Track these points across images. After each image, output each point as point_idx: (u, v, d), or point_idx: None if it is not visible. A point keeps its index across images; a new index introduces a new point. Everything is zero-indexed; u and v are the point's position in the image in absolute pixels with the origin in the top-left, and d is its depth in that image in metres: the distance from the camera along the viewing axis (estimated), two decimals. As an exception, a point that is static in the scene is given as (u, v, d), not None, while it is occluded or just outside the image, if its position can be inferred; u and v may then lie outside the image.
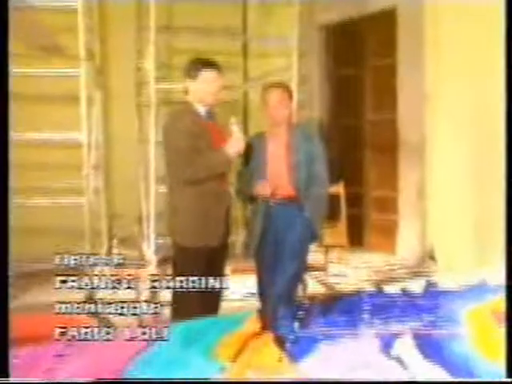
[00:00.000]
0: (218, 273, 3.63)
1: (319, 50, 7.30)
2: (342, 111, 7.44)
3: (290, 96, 3.93)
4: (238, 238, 6.38)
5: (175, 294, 3.55)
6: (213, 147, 3.49)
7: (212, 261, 3.56)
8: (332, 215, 6.86)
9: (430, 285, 3.31)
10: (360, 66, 7.19)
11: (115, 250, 5.71)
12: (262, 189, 3.82)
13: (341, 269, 6.10)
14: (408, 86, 6.26)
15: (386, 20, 6.52)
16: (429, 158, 6.10)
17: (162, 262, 5.53)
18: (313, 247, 4.31)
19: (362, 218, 7.18)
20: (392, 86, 6.47)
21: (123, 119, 6.71)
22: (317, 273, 5.58)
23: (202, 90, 3.49)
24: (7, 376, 2.69)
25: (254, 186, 3.83)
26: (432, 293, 3.21)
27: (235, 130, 3.54)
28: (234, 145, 3.51)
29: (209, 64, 3.52)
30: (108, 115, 6.69)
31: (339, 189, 6.12)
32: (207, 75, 3.49)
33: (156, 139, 5.76)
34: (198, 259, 3.49)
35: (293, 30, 6.26)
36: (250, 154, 3.76)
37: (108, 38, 6.67)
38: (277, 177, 3.86)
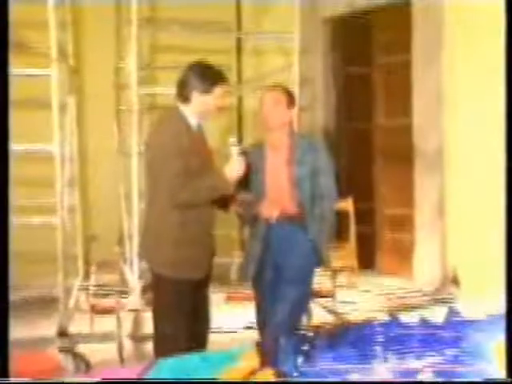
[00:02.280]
0: (203, 303, 3.67)
1: (323, 46, 7.32)
2: (349, 116, 7.45)
3: (291, 100, 3.95)
4: (234, 261, 6.42)
5: (157, 328, 3.56)
6: (202, 165, 3.51)
7: (196, 291, 3.57)
8: (340, 235, 6.87)
9: (452, 313, 3.32)
10: (370, 64, 7.20)
11: (93, 277, 5.70)
12: (266, 211, 3.84)
13: (350, 295, 6.09)
14: (424, 87, 6.28)
15: (400, 12, 6.55)
16: (449, 169, 6.12)
17: (147, 289, 5.47)
18: (318, 271, 4.28)
19: (374, 237, 7.18)
20: (406, 86, 6.49)
21: (101, 127, 6.72)
22: (323, 300, 5.58)
23: (212, 105, 3.54)
24: (7, 376, 2.83)
25: (256, 207, 3.85)
26: (455, 323, 3.21)
27: (234, 151, 3.56)
28: (234, 168, 3.53)
29: (224, 77, 3.58)
30: (83, 123, 6.69)
31: (348, 205, 6.12)
32: (220, 91, 3.55)
33: (139, 150, 5.76)
34: (179, 292, 3.50)
35: (293, 24, 6.29)
36: (251, 173, 3.78)
37: (83, 35, 6.68)
38: (277, 192, 3.88)
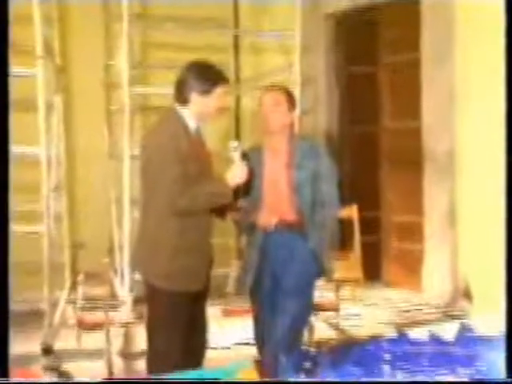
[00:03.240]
0: (200, 317, 3.67)
1: (326, 44, 7.32)
2: (353, 118, 7.45)
3: (291, 101, 3.96)
4: (231, 272, 6.41)
5: (151, 343, 3.55)
6: (201, 170, 3.52)
7: (191, 306, 3.56)
8: (344, 244, 6.85)
9: (464, 329, 3.30)
10: (375, 63, 7.20)
11: (80, 289, 5.67)
12: (264, 218, 3.84)
13: (355, 309, 6.08)
14: (434, 87, 6.27)
15: (407, 8, 6.55)
16: (460, 174, 6.11)
17: (138, 302, 5.50)
18: (320, 283, 4.27)
19: (380, 247, 7.18)
20: (414, 86, 6.47)
21: (90, 129, 6.72)
22: (326, 314, 5.54)
23: (210, 107, 3.54)
24: (7, 376, 2.92)
25: (253, 214, 3.86)
26: (467, 339, 3.19)
27: (236, 157, 3.56)
28: (236, 175, 3.54)
29: (225, 79, 3.59)
30: (71, 125, 6.69)
31: (352, 212, 6.10)
32: (221, 91, 3.55)
33: (130, 153, 5.76)
34: (175, 304, 3.50)
35: (294, 20, 6.29)
36: (252, 182, 3.77)
37: (70, 31, 6.67)
38: (275, 198, 3.88)
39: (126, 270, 5.78)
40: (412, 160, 6.61)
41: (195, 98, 3.50)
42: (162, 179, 3.41)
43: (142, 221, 3.61)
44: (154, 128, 3.61)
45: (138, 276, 5.56)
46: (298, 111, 4.24)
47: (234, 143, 3.60)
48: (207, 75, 3.53)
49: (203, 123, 3.63)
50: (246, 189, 3.74)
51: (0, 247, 2.98)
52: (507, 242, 2.99)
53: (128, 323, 5.36)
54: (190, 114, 3.53)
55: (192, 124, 3.55)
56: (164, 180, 3.40)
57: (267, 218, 3.85)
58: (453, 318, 5.58)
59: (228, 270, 6.45)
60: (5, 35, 2.98)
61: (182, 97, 3.52)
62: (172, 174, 3.39)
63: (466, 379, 2.90)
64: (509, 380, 2.76)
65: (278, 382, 2.97)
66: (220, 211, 3.63)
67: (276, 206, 3.87)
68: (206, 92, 3.50)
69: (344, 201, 4.31)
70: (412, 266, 6.62)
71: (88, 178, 6.66)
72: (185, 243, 3.49)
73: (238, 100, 7.41)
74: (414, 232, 6.63)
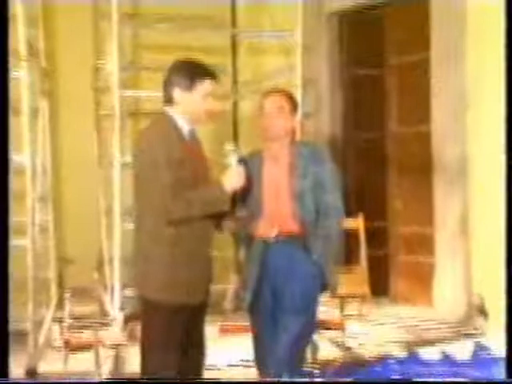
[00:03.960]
0: (198, 336, 3.66)
1: (329, 44, 7.34)
2: (358, 122, 7.46)
3: (293, 106, 3.95)
4: (228, 287, 6.37)
5: (145, 363, 3.53)
6: (196, 176, 3.53)
7: (190, 321, 3.57)
8: (349, 257, 6.86)
9: (479, 349, 3.28)
10: (381, 65, 7.21)
11: (67, 307, 5.65)
12: (263, 229, 3.82)
13: (361, 327, 6.07)
14: (445, 90, 6.27)
15: (416, 6, 6.56)
16: (473, 182, 6.10)
17: (129, 320, 5.49)
18: (324, 299, 4.27)
19: (388, 260, 7.17)
20: (424, 89, 6.48)
21: (78, 135, 6.71)
22: (330, 332, 5.56)
23: (197, 104, 3.55)
24: (7, 376, 3.05)
25: (252, 224, 3.84)
26: (482, 360, 3.17)
27: (233, 160, 3.57)
28: (233, 179, 3.55)
29: (209, 72, 3.59)
30: (58, 130, 6.68)
31: (357, 223, 6.11)
32: (206, 87, 3.55)
33: (122, 161, 5.74)
34: (174, 319, 3.49)
35: (295, 19, 6.28)
36: (250, 188, 3.77)
37: (57, 31, 6.66)
38: (276, 208, 3.85)
39: (117, 286, 5.74)
40: (421, 167, 6.62)
41: (179, 95, 3.52)
42: (153, 186, 3.42)
43: (136, 231, 3.61)
44: (143, 132, 3.62)
45: (129, 292, 5.55)
46: (299, 115, 4.25)
47: (230, 146, 3.60)
48: (188, 70, 3.55)
49: (197, 126, 3.64)
50: (243, 195, 3.73)
51: None
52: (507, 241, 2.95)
53: (119, 344, 5.33)
54: (179, 116, 3.54)
55: (185, 127, 3.56)
56: (156, 187, 3.41)
57: (267, 228, 3.83)
58: (467, 336, 5.56)
59: (225, 285, 6.40)
60: (5, 35, 3.01)
61: (167, 96, 3.55)
62: (164, 180, 3.40)
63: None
64: (509, 380, 2.82)
65: (278, 382, 2.94)
66: (217, 221, 3.62)
67: (276, 215, 3.84)
68: (188, 87, 3.51)
69: (349, 211, 4.30)
70: (422, 281, 6.62)
71: (76, 188, 6.63)
72: (181, 254, 3.49)
73: (235, 104, 7.40)
74: (424, 244, 6.63)
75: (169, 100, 3.54)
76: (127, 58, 6.62)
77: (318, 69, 7.23)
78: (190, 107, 3.54)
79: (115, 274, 5.79)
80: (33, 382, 3.16)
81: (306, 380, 2.92)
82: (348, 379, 2.86)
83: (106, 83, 6.26)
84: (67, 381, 3.86)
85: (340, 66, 7.38)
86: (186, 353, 3.53)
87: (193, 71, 3.54)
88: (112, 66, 5.88)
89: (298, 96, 5.93)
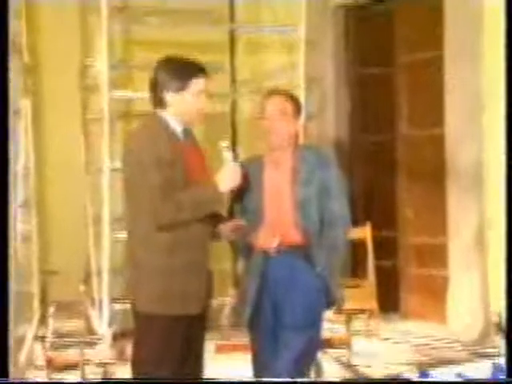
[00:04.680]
0: (196, 351, 3.62)
1: (334, 41, 7.33)
2: (366, 124, 7.47)
3: (297, 108, 3.94)
4: (226, 301, 6.36)
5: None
6: (190, 178, 3.52)
7: (188, 334, 3.54)
8: (355, 270, 6.84)
9: (496, 370, 3.26)
10: (391, 63, 7.20)
11: (51, 323, 5.63)
12: (264, 239, 3.80)
13: (369, 345, 6.07)
14: (459, 90, 6.27)
15: (428, 0, 6.55)
16: (489, 189, 6.09)
17: (119, 338, 5.52)
18: (329, 314, 4.28)
19: (398, 272, 7.14)
20: (436, 89, 6.48)
21: (64, 138, 6.69)
22: (335, 350, 5.55)
23: (190, 105, 3.55)
24: (7, 376, 3.16)
25: (251, 234, 3.81)
26: (500, 382, 3.15)
27: (228, 157, 3.57)
28: (228, 177, 3.55)
29: (200, 70, 3.58)
30: (42, 132, 6.67)
31: (365, 233, 6.12)
32: (198, 86, 3.55)
33: (111, 166, 5.73)
34: (172, 333, 3.48)
35: (298, 14, 6.33)
36: (247, 188, 3.76)
37: (41, 25, 6.63)
38: (277, 217, 3.83)
39: (106, 300, 5.79)
40: (434, 172, 6.61)
41: (170, 98, 3.52)
42: (142, 188, 3.44)
43: (128, 238, 3.62)
44: (132, 133, 3.66)
45: (119, 307, 5.53)
46: (302, 118, 4.26)
47: (224, 142, 3.61)
48: (179, 68, 3.54)
49: (191, 126, 3.64)
50: (240, 196, 3.74)
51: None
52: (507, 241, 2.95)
53: (107, 363, 5.31)
54: (171, 117, 3.55)
55: (178, 127, 3.57)
56: (145, 189, 3.43)
57: (268, 238, 3.80)
58: (483, 356, 5.56)
59: (223, 299, 6.42)
60: (5, 35, 3.10)
61: (157, 100, 3.55)
62: (153, 182, 3.41)
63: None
64: (509, 380, 2.87)
65: (278, 382, 3.03)
66: (213, 227, 3.62)
67: (278, 224, 3.82)
68: (179, 89, 3.51)
69: (356, 220, 4.35)
70: (435, 295, 6.60)
71: (61, 194, 6.62)
72: (176, 263, 3.49)
73: (233, 104, 7.39)
74: (437, 255, 6.62)
75: (159, 103, 3.54)
76: (117, 56, 6.64)
77: (322, 67, 7.23)
78: (182, 108, 3.55)
79: (104, 287, 5.83)
80: (33, 381, 3.19)
81: (306, 380, 2.92)
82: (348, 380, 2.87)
83: (95, 82, 6.28)
84: (66, 381, 3.87)
85: (346, 64, 7.39)
86: (181, 371, 3.50)
87: (182, 70, 3.54)
88: (101, 63, 5.93)
89: (301, 96, 5.93)
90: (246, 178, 3.66)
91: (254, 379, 3.02)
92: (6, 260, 3.30)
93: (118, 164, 5.79)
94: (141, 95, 6.30)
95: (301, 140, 4.65)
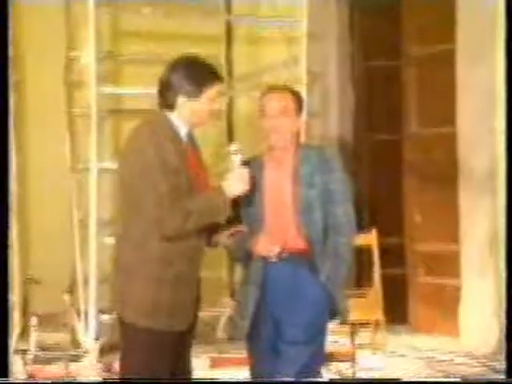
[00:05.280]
0: (185, 365, 3.65)
1: (338, 32, 7.35)
2: (372, 123, 7.49)
3: (299, 105, 3.92)
4: (221, 313, 6.35)
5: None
6: (194, 184, 3.53)
7: (176, 349, 3.56)
8: (361, 278, 6.82)
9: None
10: (399, 57, 7.20)
11: (34, 335, 5.61)
12: (264, 246, 3.77)
13: (375, 359, 6.06)
14: (472, 87, 6.26)
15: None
16: (503, 192, 6.04)
17: (106, 352, 5.50)
18: (333, 326, 4.20)
19: (406, 281, 7.13)
20: (447, 85, 6.48)
21: (47, 136, 6.66)
22: (339, 364, 5.53)
23: (202, 111, 3.57)
24: (7, 376, 3.22)
25: (250, 240, 3.79)
26: (501, 381, 3.15)
27: (237, 161, 3.59)
28: (236, 183, 3.55)
29: (217, 78, 3.60)
30: (24, 130, 6.66)
31: (371, 239, 6.13)
32: (212, 93, 3.57)
33: (99, 166, 5.71)
34: (160, 347, 3.48)
35: (300, 4, 6.29)
36: (252, 193, 3.75)
37: (22, 14, 6.58)
38: (279, 222, 3.82)
39: (92, 312, 5.73)
40: (445, 174, 6.63)
41: (182, 102, 3.53)
42: (146, 196, 3.43)
43: (119, 245, 3.61)
44: (134, 131, 3.59)
45: (106, 318, 5.50)
46: (304, 117, 4.26)
47: (233, 146, 3.63)
48: (196, 75, 3.54)
49: (195, 128, 3.63)
50: (246, 204, 3.74)
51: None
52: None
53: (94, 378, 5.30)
54: (178, 119, 3.56)
55: (182, 128, 3.57)
56: (149, 194, 3.42)
57: (268, 245, 3.77)
58: (498, 372, 5.50)
59: (218, 311, 6.42)
60: (5, 35, 3.15)
61: (166, 102, 3.55)
62: (160, 190, 3.40)
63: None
64: (509, 380, 3.02)
65: (278, 382, 3.11)
66: (210, 234, 3.62)
67: (279, 230, 3.80)
68: (195, 95, 3.52)
69: (361, 225, 4.32)
70: (446, 306, 6.60)
71: (44, 197, 6.58)
72: (169, 273, 3.49)
73: (230, 101, 7.37)
74: (448, 263, 6.62)
75: (169, 106, 3.55)
76: (105, 48, 6.58)
77: (325, 61, 7.25)
78: (194, 114, 3.55)
79: (90, 297, 5.78)
80: (33, 381, 3.21)
81: (307, 380, 2.95)
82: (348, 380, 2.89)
83: (81, 77, 6.25)
84: (67, 381, 3.86)
85: (351, 58, 7.41)
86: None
87: (200, 76, 3.54)
88: (88, 56, 5.87)
89: (303, 92, 5.89)
90: (253, 183, 3.65)
91: (254, 380, 3.04)
92: (5, 260, 3.38)
93: (107, 164, 5.82)
94: (130, 90, 6.34)
95: (302, 139, 4.63)
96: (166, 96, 3.54)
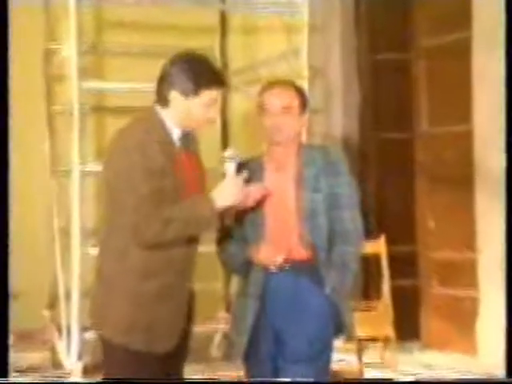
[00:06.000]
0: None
1: (343, 23, 7.37)
2: (379, 120, 7.50)
3: (302, 101, 3.93)
4: (216, 329, 6.33)
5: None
6: (184, 192, 3.53)
7: (164, 369, 3.55)
8: (368, 290, 6.80)
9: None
10: (408, 48, 7.22)
11: (12, 352, 5.60)
12: (264, 255, 3.77)
13: (385, 377, 6.05)
14: (489, 81, 6.23)
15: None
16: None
17: (90, 372, 5.49)
18: (339, 343, 4.16)
19: (418, 293, 7.13)
20: (462, 79, 6.49)
21: (26, 135, 6.66)
22: None
23: (197, 114, 3.57)
24: (7, 376, 3.32)
25: (249, 250, 3.80)
26: (501, 381, 3.14)
27: (231, 169, 3.59)
28: (227, 192, 3.54)
29: (219, 79, 3.61)
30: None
31: (379, 247, 6.12)
32: (211, 97, 3.57)
33: (81, 168, 5.72)
34: (138, 368, 3.49)
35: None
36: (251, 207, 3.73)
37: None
38: (281, 228, 3.81)
39: (75, 329, 5.71)
40: (459, 176, 6.64)
41: (176, 98, 3.54)
42: (126, 199, 3.43)
43: (102, 254, 3.62)
44: (121, 131, 3.58)
45: (90, 336, 5.47)
46: (307, 115, 4.26)
47: (228, 151, 3.63)
48: (194, 71, 3.55)
49: (190, 130, 3.63)
50: (241, 216, 3.73)
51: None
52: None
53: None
54: (171, 118, 3.57)
55: (175, 130, 3.57)
56: (128, 200, 3.42)
57: (269, 254, 3.77)
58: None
59: (213, 326, 6.44)
60: (5, 35, 3.22)
61: (160, 95, 3.57)
62: (140, 193, 3.39)
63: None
64: (509, 380, 3.17)
65: (278, 381, 3.26)
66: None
67: (281, 238, 3.79)
68: (189, 93, 3.53)
69: (369, 232, 4.33)
70: (462, 320, 6.61)
71: (23, 202, 6.51)
72: (151, 286, 3.49)
73: (224, 97, 7.35)
74: (464, 273, 6.62)
75: (162, 101, 3.56)
76: (88, 40, 6.59)
77: (329, 53, 7.29)
78: (187, 114, 3.55)
79: (73, 313, 5.76)
80: (33, 381, 3.25)
81: (304, 380, 3.14)
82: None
83: (62, 71, 6.25)
84: (68, 380, 3.87)
85: (357, 50, 7.44)
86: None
87: (200, 74, 3.55)
88: (69, 49, 5.85)
89: (305, 88, 5.89)
90: (248, 195, 3.63)
91: (254, 380, 3.08)
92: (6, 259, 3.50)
93: (90, 166, 5.80)
94: (115, 85, 6.32)
95: (304, 138, 4.60)
96: (161, 89, 3.56)
